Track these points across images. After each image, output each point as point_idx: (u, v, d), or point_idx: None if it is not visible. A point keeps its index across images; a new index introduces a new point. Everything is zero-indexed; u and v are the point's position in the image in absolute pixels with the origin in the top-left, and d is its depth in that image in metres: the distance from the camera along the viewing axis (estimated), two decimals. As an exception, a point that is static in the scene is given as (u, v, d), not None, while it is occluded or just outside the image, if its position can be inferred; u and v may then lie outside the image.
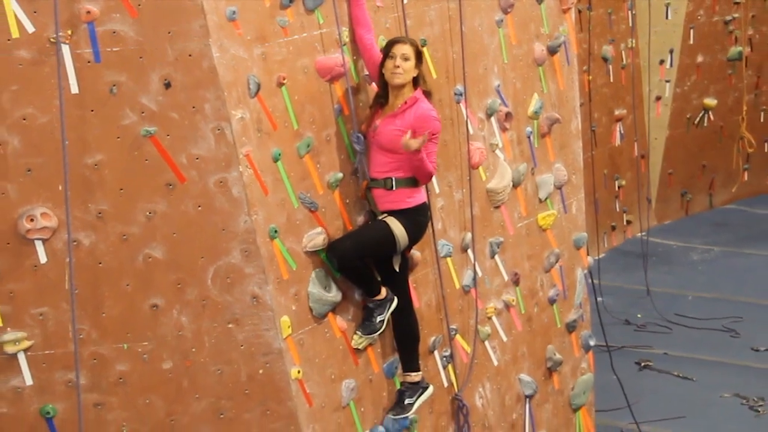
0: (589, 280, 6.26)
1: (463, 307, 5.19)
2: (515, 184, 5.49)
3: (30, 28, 3.81)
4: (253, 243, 4.06)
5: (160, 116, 3.94)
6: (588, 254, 6.15)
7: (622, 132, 9.79)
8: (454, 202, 5.11)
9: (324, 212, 4.42)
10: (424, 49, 4.81)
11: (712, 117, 10.41)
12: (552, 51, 5.70)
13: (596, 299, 6.77)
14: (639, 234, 9.50)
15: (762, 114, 10.85)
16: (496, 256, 5.40)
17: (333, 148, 4.47)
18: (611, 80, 9.56)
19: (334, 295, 4.42)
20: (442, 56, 5.00)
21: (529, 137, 5.60)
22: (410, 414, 4.73)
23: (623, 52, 9.63)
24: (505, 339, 5.47)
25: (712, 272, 9.23)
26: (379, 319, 4.52)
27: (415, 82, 4.52)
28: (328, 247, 4.39)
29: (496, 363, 5.41)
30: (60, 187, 3.89)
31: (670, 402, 6.96)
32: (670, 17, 9.91)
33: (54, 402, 4.03)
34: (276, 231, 4.16)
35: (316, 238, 4.35)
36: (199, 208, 4.02)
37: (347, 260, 4.39)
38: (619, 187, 9.89)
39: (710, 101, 10.32)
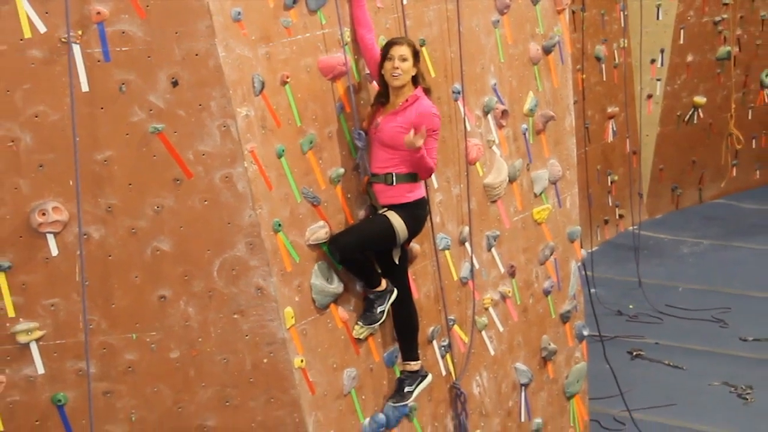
0: (583, 272, 6.31)
1: (460, 299, 5.25)
2: (511, 180, 5.53)
3: (42, 29, 3.85)
4: (258, 236, 4.10)
5: (168, 114, 3.98)
6: (581, 247, 6.16)
7: (615, 129, 9.83)
8: (452, 196, 5.16)
9: (326, 206, 4.48)
10: (423, 49, 4.86)
11: (701, 114, 10.45)
12: (547, 50, 5.73)
13: (590, 291, 6.86)
14: (631, 227, 9.55)
15: (750, 111, 10.87)
16: (493, 249, 5.45)
17: (335, 144, 4.52)
18: (604, 79, 9.60)
19: (336, 286, 4.48)
20: (440, 56, 5.04)
21: (524, 134, 5.64)
22: (410, 402, 4.79)
23: (616, 52, 9.67)
24: (501, 329, 5.52)
25: (701, 264, 9.29)
26: (379, 309, 4.58)
27: (415, 80, 4.55)
28: (331, 240, 4.44)
29: (492, 352, 5.46)
30: (71, 182, 3.93)
31: (661, 390, 7.02)
32: (660, 18, 9.94)
33: (65, 390, 4.08)
34: (280, 225, 4.22)
35: (318, 231, 4.40)
36: (206, 203, 4.07)
37: (349, 253, 4.45)
38: (611, 182, 9.94)
39: (700, 99, 10.36)
